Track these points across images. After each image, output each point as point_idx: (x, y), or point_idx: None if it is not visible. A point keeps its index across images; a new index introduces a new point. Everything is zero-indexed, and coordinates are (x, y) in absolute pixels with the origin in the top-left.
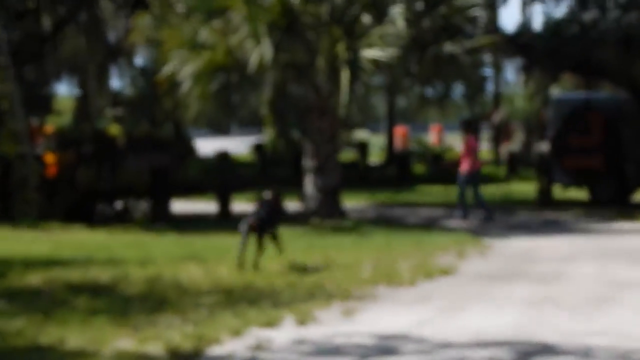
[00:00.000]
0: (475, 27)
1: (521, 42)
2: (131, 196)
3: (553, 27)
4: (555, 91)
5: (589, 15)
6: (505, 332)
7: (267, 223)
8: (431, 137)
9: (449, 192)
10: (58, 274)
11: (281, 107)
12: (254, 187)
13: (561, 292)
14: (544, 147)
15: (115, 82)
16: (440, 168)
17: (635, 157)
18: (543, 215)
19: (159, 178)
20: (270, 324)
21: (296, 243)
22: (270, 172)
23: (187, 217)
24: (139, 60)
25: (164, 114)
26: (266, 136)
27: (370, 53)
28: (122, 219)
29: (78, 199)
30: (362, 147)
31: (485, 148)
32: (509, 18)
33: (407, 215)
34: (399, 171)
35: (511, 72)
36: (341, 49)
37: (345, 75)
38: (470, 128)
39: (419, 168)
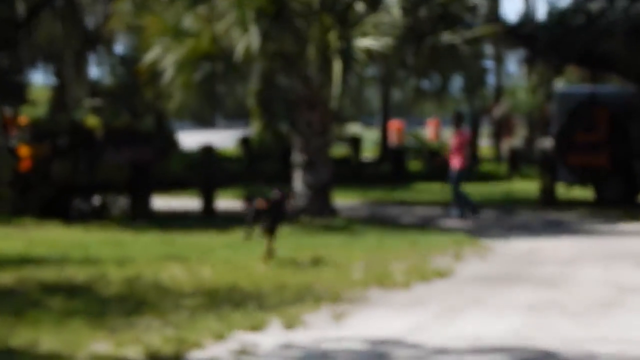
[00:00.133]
0: (475, 16)
1: (524, 33)
2: (110, 191)
3: (557, 16)
4: (560, 84)
5: (596, 5)
6: (505, 338)
7: (273, 215)
8: (428, 132)
9: (447, 190)
10: (31, 273)
11: (269, 98)
12: (240, 182)
13: (564, 297)
14: (547, 143)
15: (94, 71)
16: (433, 165)
17: None
18: (546, 216)
19: (139, 172)
20: (256, 327)
21: (284, 242)
22: (257, 167)
23: (169, 214)
24: (119, 48)
25: (145, 105)
26: (253, 129)
27: (363, 42)
28: (100, 216)
29: (53, 194)
30: (355, 142)
31: (485, 144)
32: (511, 7)
33: (402, 214)
34: (394, 168)
35: (513, 64)
36: (333, 38)
37: (337, 66)
38: (461, 121)
39: (414, 164)
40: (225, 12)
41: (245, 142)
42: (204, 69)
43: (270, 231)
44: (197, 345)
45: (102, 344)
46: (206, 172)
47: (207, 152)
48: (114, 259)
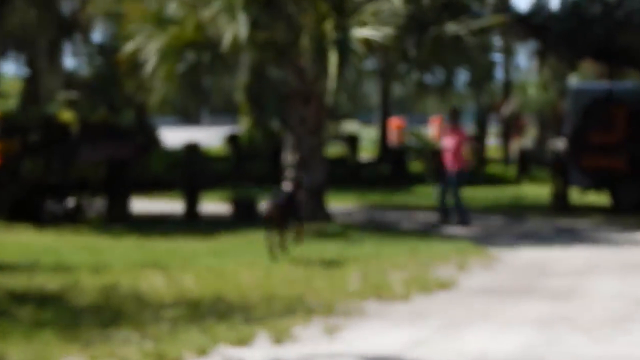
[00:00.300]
0: (482, 4)
1: (535, 23)
2: (85, 192)
3: (572, 6)
4: (574, 80)
5: None
6: (513, 355)
7: (287, 214)
8: (431, 130)
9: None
10: None
11: (259, 92)
12: (227, 184)
13: (577, 311)
14: (559, 144)
15: (69, 61)
16: (434, 166)
17: None
18: (557, 223)
19: (117, 172)
20: (242, 341)
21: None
22: (246, 167)
23: (149, 217)
24: (97, 36)
25: (125, 98)
26: (241, 126)
27: (362, 32)
28: (74, 219)
29: (24, 195)
30: (352, 141)
31: (492, 144)
32: None
33: (402, 219)
34: (394, 169)
35: (523, 57)
36: (329, 27)
37: (333, 58)
38: (458, 118)
39: (416, 166)
40: None
41: (232, 139)
42: (189, 59)
43: (283, 226)
44: (178, 359)
45: (74, 358)
46: (190, 172)
47: (191, 150)
48: (89, 266)
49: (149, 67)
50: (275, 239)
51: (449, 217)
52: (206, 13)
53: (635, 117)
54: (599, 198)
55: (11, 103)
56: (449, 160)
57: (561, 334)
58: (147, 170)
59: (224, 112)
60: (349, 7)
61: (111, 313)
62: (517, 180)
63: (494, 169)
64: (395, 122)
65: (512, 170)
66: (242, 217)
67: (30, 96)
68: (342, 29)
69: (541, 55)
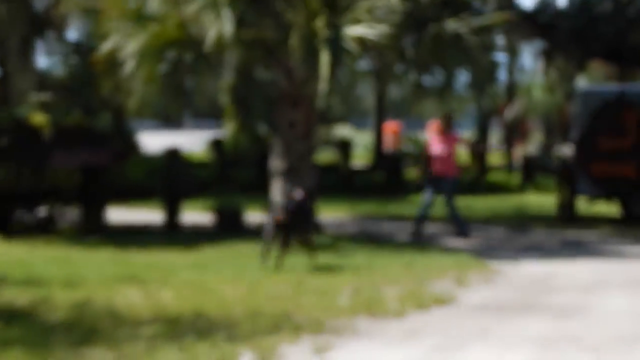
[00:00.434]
0: (485, 1)
1: (541, 21)
2: (58, 201)
3: (581, 3)
4: (582, 82)
5: None
6: None
7: (296, 223)
8: (428, 135)
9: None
10: None
11: (245, 95)
12: (211, 192)
13: (583, 330)
14: (566, 150)
15: (42, 61)
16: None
17: None
18: (564, 235)
19: (92, 179)
20: None
21: (259, 263)
22: (231, 174)
23: (126, 228)
24: (72, 33)
25: (101, 101)
26: (226, 130)
27: (355, 31)
28: (46, 229)
29: None
30: (344, 147)
31: (495, 150)
32: None
33: (397, 231)
34: (389, 176)
35: (528, 57)
36: (320, 24)
37: (324, 58)
38: (451, 123)
39: (412, 173)
40: None
41: (216, 145)
42: (170, 59)
43: (286, 243)
44: None
45: None
46: (171, 179)
47: (172, 156)
48: (61, 280)
49: (128, 67)
50: (273, 246)
51: (423, 228)
52: (189, 10)
53: None
54: (609, 208)
55: None
56: (440, 168)
57: (566, 354)
58: (124, 177)
59: (208, 115)
60: (342, 4)
61: (84, 331)
62: (520, 189)
63: (496, 176)
64: (390, 127)
65: (515, 178)
66: (226, 228)
67: (0, 98)
68: (335, 26)
69: (547, 55)
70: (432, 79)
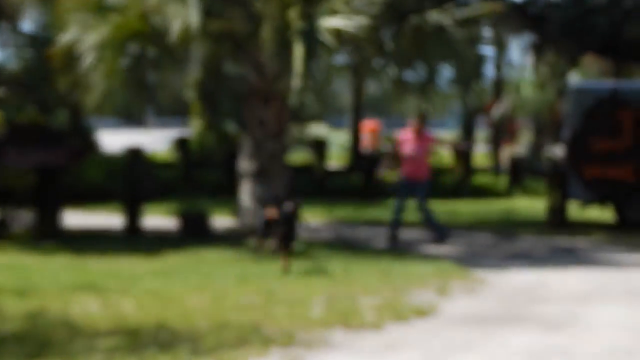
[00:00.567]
0: None
1: (532, 13)
2: (10, 204)
3: None
4: (575, 78)
5: None
6: None
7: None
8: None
9: (433, 208)
10: None
11: (212, 91)
12: (175, 194)
13: (573, 343)
14: (557, 151)
15: None
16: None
17: None
18: (554, 241)
19: (48, 180)
20: None
21: (226, 271)
22: (197, 175)
23: (84, 232)
24: (27, 25)
25: (58, 97)
26: (192, 129)
27: (332, 22)
28: None
29: None
30: (319, 146)
31: (480, 151)
32: None
33: (375, 236)
34: (366, 179)
35: (517, 51)
36: (293, 15)
37: (298, 51)
38: (425, 122)
39: (391, 175)
40: None
41: (181, 144)
42: (132, 52)
43: (286, 246)
44: None
45: None
46: (132, 180)
47: (134, 156)
48: (13, 289)
49: (87, 61)
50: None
51: (398, 234)
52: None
53: None
54: (602, 213)
55: None
56: (413, 170)
57: None
58: (82, 178)
59: (172, 112)
60: None
61: (38, 343)
62: (508, 193)
63: (482, 179)
64: (369, 126)
65: (502, 181)
66: (191, 233)
67: None
68: (309, 17)
69: (538, 49)
70: (413, 74)
